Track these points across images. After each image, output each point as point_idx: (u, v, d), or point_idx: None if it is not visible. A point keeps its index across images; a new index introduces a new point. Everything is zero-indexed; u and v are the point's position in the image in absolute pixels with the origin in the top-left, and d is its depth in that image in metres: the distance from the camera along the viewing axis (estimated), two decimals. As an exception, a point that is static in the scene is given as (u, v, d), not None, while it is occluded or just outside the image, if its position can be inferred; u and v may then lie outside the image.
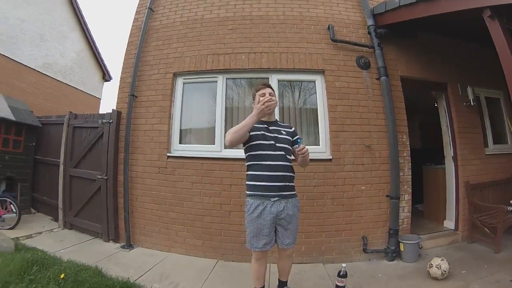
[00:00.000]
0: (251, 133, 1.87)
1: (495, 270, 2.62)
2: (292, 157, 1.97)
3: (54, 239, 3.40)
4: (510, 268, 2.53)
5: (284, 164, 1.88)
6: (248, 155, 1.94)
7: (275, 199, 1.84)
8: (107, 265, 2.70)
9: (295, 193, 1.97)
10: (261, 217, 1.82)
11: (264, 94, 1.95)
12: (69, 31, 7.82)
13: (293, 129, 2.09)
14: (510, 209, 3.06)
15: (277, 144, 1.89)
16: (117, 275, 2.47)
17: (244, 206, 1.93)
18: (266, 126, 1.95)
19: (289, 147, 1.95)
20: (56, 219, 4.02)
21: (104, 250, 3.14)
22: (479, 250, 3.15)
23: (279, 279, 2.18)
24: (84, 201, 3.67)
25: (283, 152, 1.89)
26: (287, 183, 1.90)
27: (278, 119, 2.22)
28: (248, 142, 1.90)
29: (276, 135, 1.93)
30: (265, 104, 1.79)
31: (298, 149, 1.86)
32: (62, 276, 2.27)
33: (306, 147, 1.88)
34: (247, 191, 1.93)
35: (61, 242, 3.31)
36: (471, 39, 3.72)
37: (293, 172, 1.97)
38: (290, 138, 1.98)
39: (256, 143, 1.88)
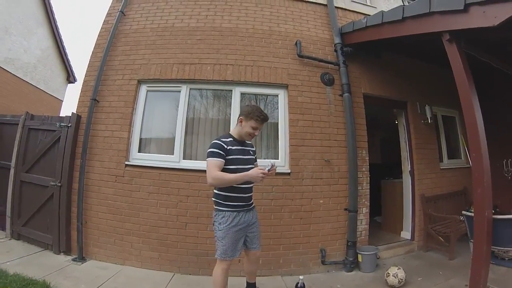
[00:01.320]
0: (230, 157, 1.94)
1: (450, 276, 2.77)
2: None
3: (0, 250, 3.13)
4: (464, 274, 2.63)
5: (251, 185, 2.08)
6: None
7: (246, 209, 2.05)
8: (57, 279, 2.54)
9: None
10: (237, 226, 1.97)
11: (256, 129, 2.01)
12: (36, 26, 7.40)
13: (254, 148, 2.25)
14: (463, 219, 3.27)
15: (247, 166, 2.03)
16: None
17: (216, 219, 2.01)
18: (241, 148, 2.04)
19: (253, 166, 2.11)
20: (3, 228, 3.69)
21: (54, 263, 2.94)
22: (434, 258, 3.32)
23: (248, 282, 2.33)
24: (35, 210, 3.42)
25: None
26: (252, 199, 2.14)
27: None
28: (226, 165, 1.94)
29: (247, 156, 2.08)
30: (261, 177, 1.84)
31: (271, 171, 1.89)
32: None
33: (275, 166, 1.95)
34: (219, 205, 2.01)
35: (7, 254, 3.06)
36: (432, 60, 3.98)
37: None
38: (253, 157, 2.19)
39: (234, 167, 1.95)
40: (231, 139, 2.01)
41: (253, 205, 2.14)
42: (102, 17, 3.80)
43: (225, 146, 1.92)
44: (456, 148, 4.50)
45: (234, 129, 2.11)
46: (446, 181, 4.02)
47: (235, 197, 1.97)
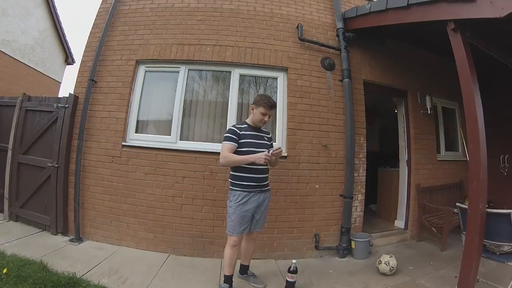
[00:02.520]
0: (242, 141, 2.14)
1: (440, 267, 2.80)
2: None
3: (-3, 232, 3.15)
4: (454, 265, 2.68)
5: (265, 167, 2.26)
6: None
7: (258, 190, 2.20)
8: (54, 260, 2.56)
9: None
10: (246, 205, 2.13)
11: (265, 114, 2.18)
12: (34, 7, 7.25)
13: (270, 135, 2.41)
14: (456, 211, 3.26)
15: (259, 150, 2.14)
16: (63, 270, 2.36)
17: (229, 197, 2.19)
18: (255, 133, 2.22)
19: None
20: (1, 210, 3.72)
21: (51, 243, 2.97)
22: (426, 248, 3.36)
23: (241, 264, 2.44)
24: (32, 191, 3.43)
25: None
26: (267, 181, 2.29)
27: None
28: (239, 148, 2.14)
29: (261, 141, 2.23)
30: (263, 159, 2.01)
31: (274, 152, 2.05)
32: (4, 271, 2.16)
33: (280, 147, 2.12)
34: (232, 185, 2.20)
35: (5, 235, 3.07)
36: (435, 50, 3.93)
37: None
38: (268, 143, 2.31)
39: (246, 150, 2.14)
40: (246, 125, 2.24)
41: (267, 187, 2.28)
42: (101, -4, 3.72)
43: (238, 131, 2.15)
44: (454, 141, 4.49)
45: (249, 117, 2.31)
46: (443, 172, 4.03)
47: (247, 177, 2.13)
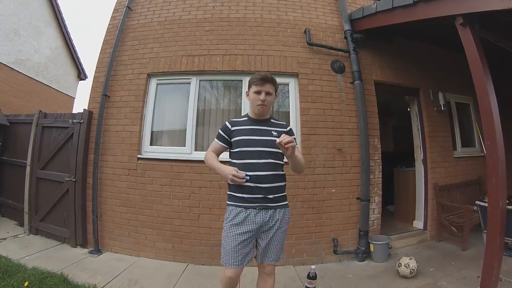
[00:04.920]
0: (235, 139, 1.66)
1: (462, 267, 2.72)
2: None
3: (19, 245, 3.23)
4: (476, 265, 2.60)
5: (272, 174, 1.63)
6: (231, 163, 1.72)
7: (260, 206, 1.61)
8: (74, 272, 2.60)
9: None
10: (240, 226, 1.60)
11: (259, 93, 1.64)
12: (45, 26, 7.53)
13: (288, 127, 1.76)
14: (476, 209, 3.19)
15: (261, 149, 1.62)
16: (83, 282, 2.39)
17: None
18: (256, 128, 1.68)
19: (279, 151, 1.58)
20: (21, 224, 3.81)
21: (71, 255, 3.02)
22: (446, 248, 3.27)
23: None
24: (51, 205, 3.51)
25: (271, 160, 1.63)
26: (278, 193, 1.65)
27: (272, 116, 1.81)
28: (232, 148, 1.71)
29: (265, 137, 1.64)
30: (234, 180, 1.56)
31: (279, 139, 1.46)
32: (26, 284, 2.19)
33: (289, 136, 1.47)
34: (227, 199, 1.71)
35: (26, 248, 3.15)
36: (445, 45, 3.86)
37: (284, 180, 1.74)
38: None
39: (238, 150, 1.65)
40: (245, 118, 1.74)
41: (279, 203, 1.65)
42: (110, 13, 3.82)
43: (230, 127, 1.69)
44: (470, 136, 4.38)
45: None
46: (460, 170, 3.93)
47: (243, 187, 1.58)
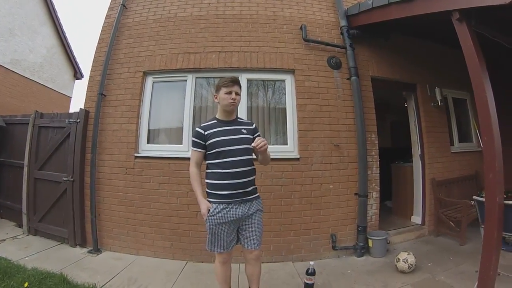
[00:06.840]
0: (210, 141, 1.80)
1: (460, 262, 2.74)
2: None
3: (18, 246, 3.23)
4: (474, 259, 2.60)
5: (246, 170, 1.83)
6: (208, 163, 1.87)
7: (240, 200, 1.82)
8: (74, 272, 2.61)
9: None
10: (222, 219, 1.79)
11: (230, 93, 1.82)
12: (40, 26, 7.46)
13: (253, 125, 1.97)
14: (474, 203, 3.21)
15: (237, 147, 1.80)
16: (83, 282, 2.40)
17: None
18: (227, 128, 1.85)
19: (250, 147, 1.82)
20: (20, 225, 3.80)
21: (70, 255, 3.02)
22: (444, 243, 3.29)
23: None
24: (49, 205, 3.50)
25: (246, 156, 1.83)
26: (252, 186, 1.87)
27: (238, 116, 2.02)
28: (208, 151, 1.84)
29: (237, 136, 1.83)
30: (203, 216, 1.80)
31: (254, 143, 1.73)
32: (25, 285, 2.20)
33: (262, 139, 1.75)
34: (208, 196, 1.86)
35: (26, 249, 3.15)
36: (442, 41, 3.85)
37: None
38: (251, 137, 1.87)
39: (217, 151, 1.79)
40: (214, 121, 1.89)
41: (252, 195, 1.86)
42: (105, 11, 3.79)
43: (203, 132, 1.82)
44: (467, 131, 4.39)
45: (218, 110, 1.95)
46: (457, 165, 3.95)
47: (222, 184, 1.77)
